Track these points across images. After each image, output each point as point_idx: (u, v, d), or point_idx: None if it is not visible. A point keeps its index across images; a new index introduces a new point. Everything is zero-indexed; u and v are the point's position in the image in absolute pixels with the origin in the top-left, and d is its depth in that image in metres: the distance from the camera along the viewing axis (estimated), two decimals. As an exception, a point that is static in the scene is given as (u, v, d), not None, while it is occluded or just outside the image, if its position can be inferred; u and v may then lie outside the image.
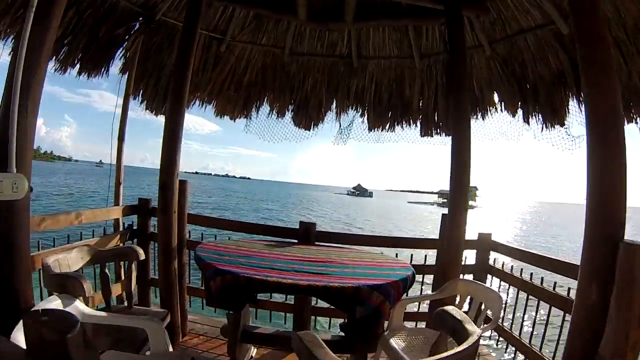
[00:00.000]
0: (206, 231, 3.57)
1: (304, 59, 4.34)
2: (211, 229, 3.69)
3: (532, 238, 37.84)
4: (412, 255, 3.39)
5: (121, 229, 3.51)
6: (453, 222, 2.98)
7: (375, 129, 4.54)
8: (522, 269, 3.05)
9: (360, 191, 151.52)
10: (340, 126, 4.54)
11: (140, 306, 3.66)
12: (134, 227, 3.54)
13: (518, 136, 4.26)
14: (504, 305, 2.92)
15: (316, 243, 3.22)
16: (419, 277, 2.95)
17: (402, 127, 4.50)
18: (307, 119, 4.50)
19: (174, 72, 3.23)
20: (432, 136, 4.46)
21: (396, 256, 3.16)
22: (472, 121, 4.42)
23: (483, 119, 4.31)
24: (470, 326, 1.47)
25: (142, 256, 2.43)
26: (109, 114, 3.74)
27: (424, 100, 4.40)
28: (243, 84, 4.31)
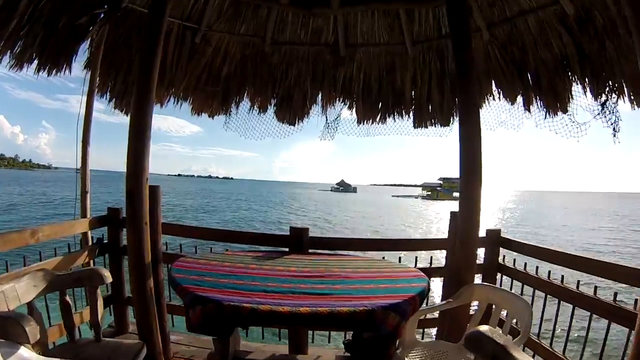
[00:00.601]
0: (185, 242, 3.21)
1: (287, 49, 3.98)
2: (194, 240, 3.33)
3: (520, 228, 38.32)
4: (416, 257, 3.09)
5: (90, 243, 3.12)
6: (466, 218, 2.70)
7: (365, 122, 4.22)
8: (537, 267, 2.79)
9: (344, 187, 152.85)
10: (327, 120, 4.21)
11: (117, 328, 3.31)
12: (105, 241, 3.15)
13: (518, 125, 4.02)
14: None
15: (310, 251, 2.90)
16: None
17: (394, 118, 4.20)
18: (291, 113, 4.14)
19: (140, 62, 2.83)
20: (426, 127, 4.18)
21: (399, 260, 2.87)
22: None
23: (480, 107, 4.05)
24: (518, 354, 1.16)
25: (108, 279, 2.06)
26: None
27: (417, 89, 4.11)
28: (221, 78, 3.92)
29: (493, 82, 3.86)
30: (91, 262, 3.03)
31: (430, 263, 3.11)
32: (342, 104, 4.22)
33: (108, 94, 3.70)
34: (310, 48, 3.99)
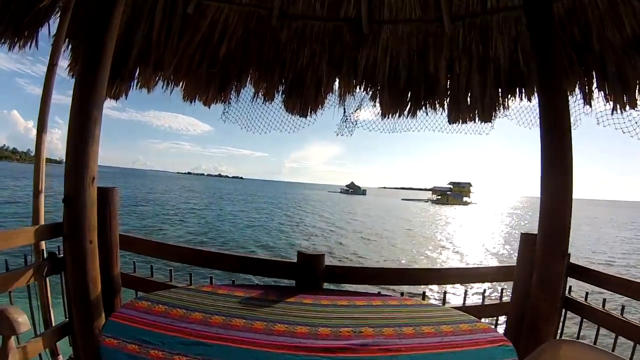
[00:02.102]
0: (157, 263, 2.51)
1: (298, 24, 3.27)
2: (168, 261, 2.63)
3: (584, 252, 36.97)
4: (465, 291, 2.34)
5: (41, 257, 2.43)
6: (547, 242, 1.95)
7: (391, 115, 3.51)
8: (623, 306, 2.07)
9: (353, 189, 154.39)
10: (345, 112, 3.51)
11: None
12: (61, 255, 2.46)
13: (575, 121, 3.31)
14: None
15: (325, 287, 2.19)
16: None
17: (425, 111, 3.49)
18: (303, 103, 3.43)
19: (90, 27, 2.16)
20: (465, 122, 3.47)
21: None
22: (510, 103, 3.51)
23: (529, 100, 3.35)
24: None
25: (24, 326, 1.39)
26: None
27: (454, 77, 3.41)
28: (219, 59, 3.23)
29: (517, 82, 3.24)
30: (43, 283, 2.36)
31: (483, 299, 2.35)
32: (364, 92, 3.51)
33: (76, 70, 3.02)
34: (327, 24, 3.28)
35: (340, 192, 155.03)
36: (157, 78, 3.24)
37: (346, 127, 3.51)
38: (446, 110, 3.49)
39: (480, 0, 3.10)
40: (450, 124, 3.53)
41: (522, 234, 2.18)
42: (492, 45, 3.25)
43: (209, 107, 3.46)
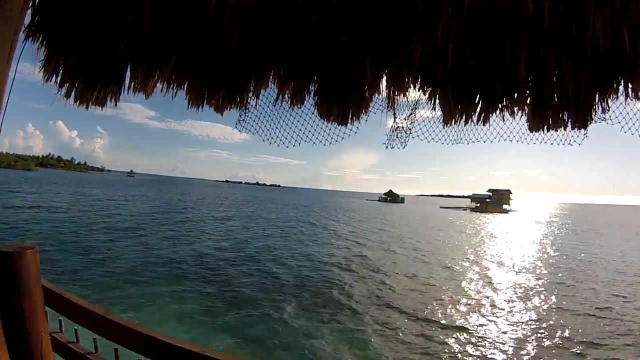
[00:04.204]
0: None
1: (332, 4, 2.45)
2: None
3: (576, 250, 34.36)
4: None
5: None
6: None
7: (455, 122, 2.69)
8: None
9: (391, 197, 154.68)
10: (395, 118, 2.73)
11: None
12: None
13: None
14: None
15: None
16: None
17: (501, 116, 2.65)
18: (342, 107, 2.66)
19: None
20: (553, 129, 2.62)
21: None
22: (611, 102, 2.64)
23: (638, 97, 2.48)
24: None
25: None
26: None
27: (538, 68, 2.56)
28: (231, 50, 2.52)
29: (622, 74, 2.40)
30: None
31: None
32: (419, 91, 2.70)
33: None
34: (371, 1, 2.48)
35: (379, 200, 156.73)
36: (155, 79, 2.57)
37: (397, 137, 2.72)
38: (527, 113, 2.66)
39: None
40: (531, 131, 2.69)
41: None
42: (592, 25, 2.40)
43: (222, 114, 2.76)
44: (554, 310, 16.35)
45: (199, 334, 11.65)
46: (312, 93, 2.72)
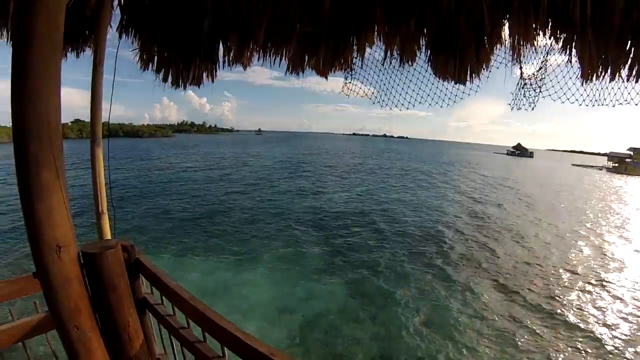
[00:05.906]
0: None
1: None
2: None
3: None
4: None
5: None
6: None
7: (597, 78, 2.20)
8: None
9: (520, 151, 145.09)
10: (521, 74, 2.34)
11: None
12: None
13: None
14: None
15: None
16: None
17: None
18: (458, 63, 2.33)
19: None
20: None
21: None
22: None
23: None
24: None
25: None
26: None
27: None
28: (324, 12, 2.33)
29: None
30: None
31: None
32: (550, 40, 2.22)
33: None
34: None
35: (507, 153, 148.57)
36: (250, 49, 2.54)
37: (525, 97, 2.34)
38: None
39: None
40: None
41: None
42: None
43: (326, 78, 2.66)
44: None
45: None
46: (424, 48, 2.44)
